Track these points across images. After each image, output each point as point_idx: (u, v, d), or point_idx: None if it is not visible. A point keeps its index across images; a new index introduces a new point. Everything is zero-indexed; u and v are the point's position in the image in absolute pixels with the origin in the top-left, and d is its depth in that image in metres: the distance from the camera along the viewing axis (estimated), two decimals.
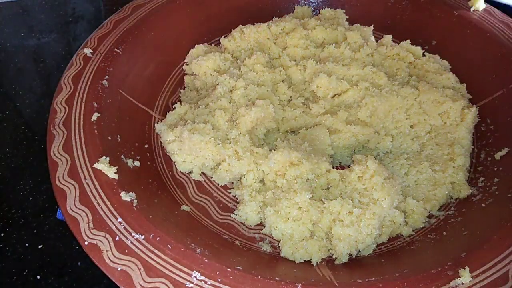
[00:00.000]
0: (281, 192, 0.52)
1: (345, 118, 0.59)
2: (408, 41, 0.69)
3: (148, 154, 0.57)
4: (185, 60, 0.69)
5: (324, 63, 0.63)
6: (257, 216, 0.52)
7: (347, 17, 0.76)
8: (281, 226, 0.49)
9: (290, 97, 0.63)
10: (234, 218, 0.53)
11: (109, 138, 0.52)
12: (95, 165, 0.47)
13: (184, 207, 0.53)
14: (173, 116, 0.60)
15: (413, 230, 0.51)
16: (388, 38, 0.70)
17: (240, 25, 0.72)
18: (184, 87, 0.68)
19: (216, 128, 0.56)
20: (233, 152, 0.54)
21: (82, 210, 0.43)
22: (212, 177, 0.57)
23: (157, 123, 0.60)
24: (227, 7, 0.74)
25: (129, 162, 0.52)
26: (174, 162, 0.57)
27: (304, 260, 0.48)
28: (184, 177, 0.57)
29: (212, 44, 0.73)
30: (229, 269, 0.40)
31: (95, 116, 0.52)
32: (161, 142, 0.59)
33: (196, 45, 0.69)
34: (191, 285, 0.38)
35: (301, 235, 0.49)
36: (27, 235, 0.56)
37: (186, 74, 0.69)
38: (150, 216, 0.44)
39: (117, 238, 0.41)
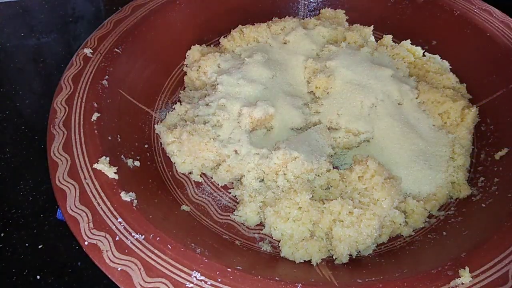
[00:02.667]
0: (281, 192, 0.52)
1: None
2: (409, 41, 0.69)
3: (148, 154, 0.57)
4: (185, 62, 0.69)
5: (324, 63, 0.63)
6: (256, 217, 0.52)
7: (347, 17, 0.76)
8: (281, 226, 0.49)
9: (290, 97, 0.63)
10: (234, 218, 0.53)
11: (109, 138, 0.52)
12: (95, 166, 0.47)
13: (184, 207, 0.53)
14: (172, 116, 0.60)
15: (413, 230, 0.51)
16: (388, 38, 0.71)
17: (240, 25, 0.72)
18: (184, 87, 0.68)
19: (216, 128, 0.56)
20: (233, 153, 0.54)
21: (82, 210, 0.43)
22: (212, 178, 0.57)
23: (157, 124, 0.60)
24: (227, 7, 0.74)
25: (129, 162, 0.52)
26: (174, 163, 0.57)
27: (304, 260, 0.48)
28: (184, 177, 0.57)
29: (211, 45, 0.73)
30: (229, 269, 0.40)
31: (95, 116, 0.52)
32: (161, 142, 0.59)
33: (192, 46, 0.69)
34: (191, 285, 0.38)
35: (301, 235, 0.49)
36: (27, 235, 0.56)
37: (186, 74, 0.69)
38: (150, 216, 0.44)
39: (117, 238, 0.41)
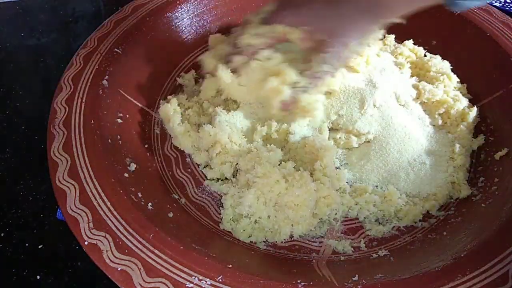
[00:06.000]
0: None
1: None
2: (411, 40, 0.69)
3: (148, 154, 0.57)
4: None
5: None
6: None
7: None
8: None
9: None
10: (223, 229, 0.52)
11: (109, 138, 0.52)
12: (95, 166, 0.47)
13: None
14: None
15: (413, 230, 0.51)
16: (390, 38, 0.70)
17: (240, 26, 0.72)
18: (184, 88, 0.68)
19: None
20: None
21: (82, 210, 0.43)
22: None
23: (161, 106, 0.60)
24: (227, 8, 0.74)
25: (129, 162, 0.52)
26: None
27: (304, 259, 0.48)
28: (184, 177, 0.57)
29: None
30: (229, 269, 0.40)
31: None
32: (161, 142, 0.59)
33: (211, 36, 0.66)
34: (191, 285, 0.38)
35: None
36: (27, 235, 0.56)
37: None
38: (150, 216, 0.44)
39: (117, 238, 0.41)
